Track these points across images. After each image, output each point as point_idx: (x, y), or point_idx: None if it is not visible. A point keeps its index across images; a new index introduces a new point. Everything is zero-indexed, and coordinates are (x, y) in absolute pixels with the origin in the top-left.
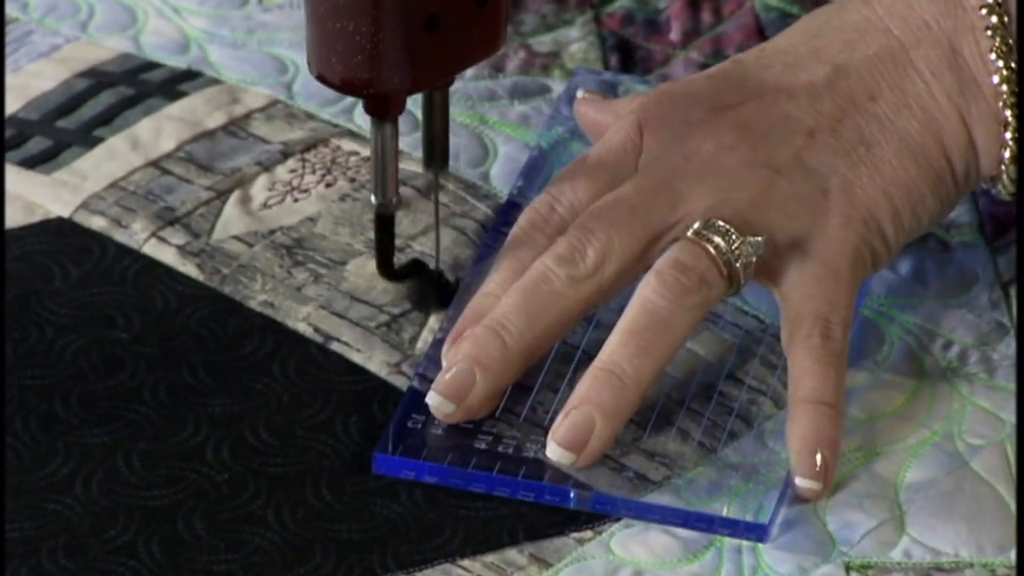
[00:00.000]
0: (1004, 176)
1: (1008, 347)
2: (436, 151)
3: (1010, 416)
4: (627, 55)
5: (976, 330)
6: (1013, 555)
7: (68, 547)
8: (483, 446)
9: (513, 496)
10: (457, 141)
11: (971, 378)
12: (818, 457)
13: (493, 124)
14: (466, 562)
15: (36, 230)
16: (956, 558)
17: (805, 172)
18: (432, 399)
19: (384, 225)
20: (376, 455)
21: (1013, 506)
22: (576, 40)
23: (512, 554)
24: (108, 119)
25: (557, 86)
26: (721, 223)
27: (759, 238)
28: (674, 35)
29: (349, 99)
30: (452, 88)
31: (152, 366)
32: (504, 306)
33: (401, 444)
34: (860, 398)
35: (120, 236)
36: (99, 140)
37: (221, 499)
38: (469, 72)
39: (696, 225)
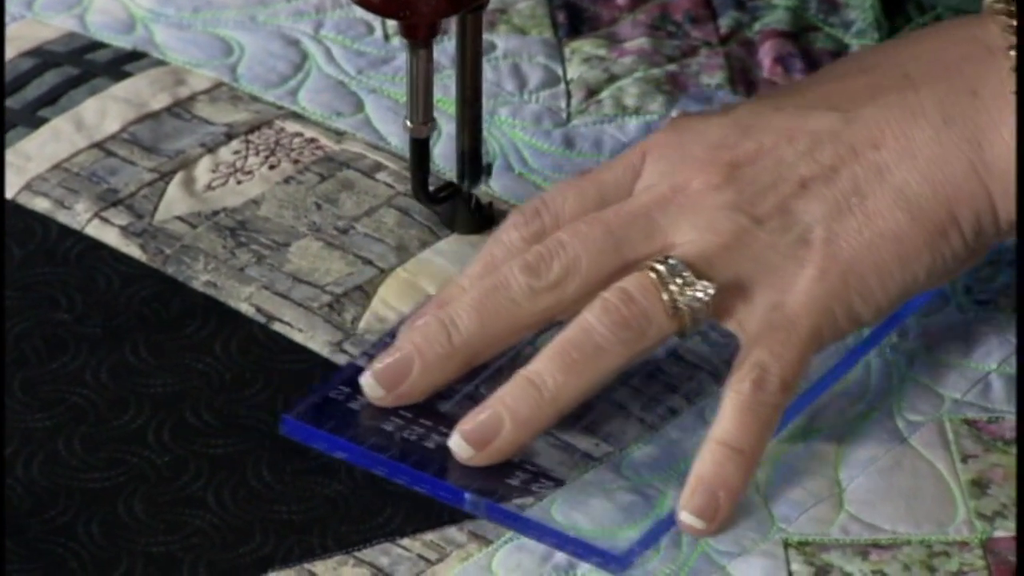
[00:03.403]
0: None
1: (947, 318)
2: (467, 167)
3: (949, 391)
4: (574, 15)
5: (916, 304)
6: (951, 531)
7: (6, 528)
8: (390, 428)
9: (410, 486)
10: (400, 120)
11: (911, 353)
12: (713, 497)
13: (438, 103)
14: (406, 540)
15: None
16: (894, 535)
17: (788, 221)
18: (365, 380)
19: (419, 148)
20: (283, 416)
21: (952, 483)
22: None
23: (452, 532)
24: (53, 99)
25: (502, 43)
26: (678, 263)
27: (710, 285)
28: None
29: (293, 81)
30: (395, 64)
31: (95, 347)
32: (461, 302)
33: (313, 412)
34: None
35: (63, 217)
36: (43, 121)
37: (161, 482)
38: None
39: (656, 260)
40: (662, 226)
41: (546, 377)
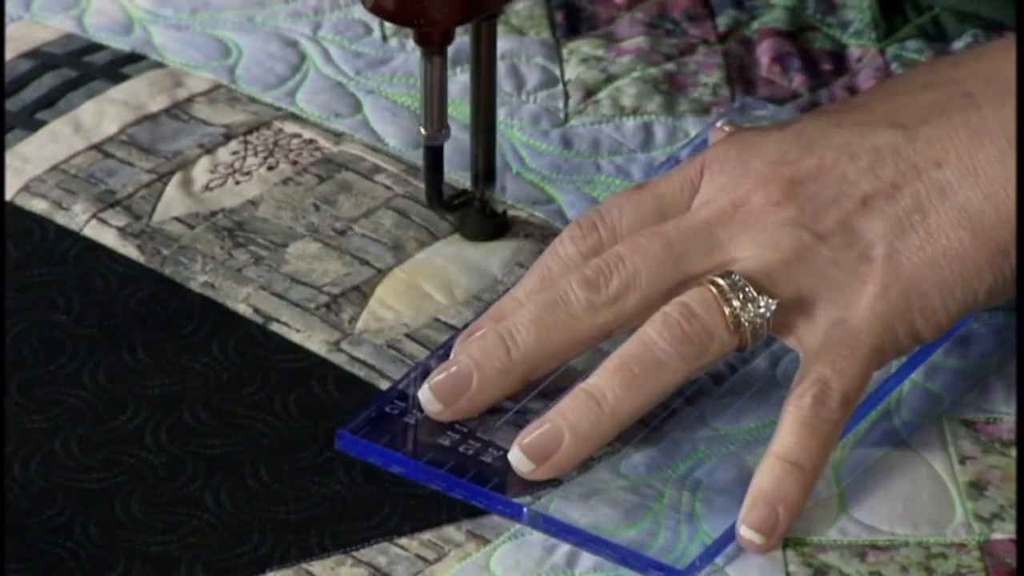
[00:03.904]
0: None
1: None
2: (483, 170)
3: (947, 392)
4: (573, 14)
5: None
6: (948, 532)
7: (4, 528)
8: (446, 443)
9: (467, 500)
10: (398, 121)
11: (909, 354)
12: (772, 511)
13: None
14: (404, 540)
15: None
16: (892, 536)
17: (850, 238)
18: (423, 395)
19: (433, 156)
20: (339, 432)
21: (950, 484)
22: None
23: (450, 531)
24: (51, 102)
25: (500, 44)
26: (740, 278)
27: (772, 301)
28: None
29: (292, 82)
30: (393, 65)
31: (92, 348)
32: (520, 316)
33: (368, 426)
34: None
35: (61, 218)
36: (42, 123)
37: (159, 482)
38: (410, 44)
39: (717, 276)
40: (722, 241)
41: (606, 391)
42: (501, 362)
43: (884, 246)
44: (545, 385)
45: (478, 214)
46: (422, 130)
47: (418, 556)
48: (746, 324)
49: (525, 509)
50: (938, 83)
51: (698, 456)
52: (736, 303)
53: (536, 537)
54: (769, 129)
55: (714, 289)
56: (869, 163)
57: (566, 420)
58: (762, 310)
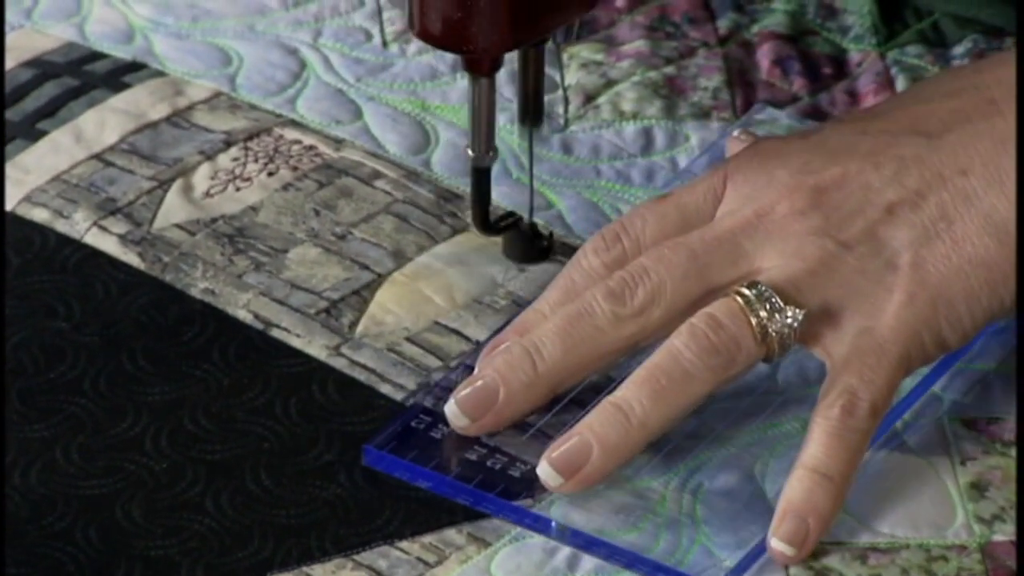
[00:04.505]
0: None
1: None
2: (530, 107)
3: (948, 393)
4: None
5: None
6: (949, 535)
7: (5, 534)
8: (473, 457)
9: (495, 515)
10: (398, 128)
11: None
12: (802, 523)
13: (435, 109)
14: (404, 543)
15: None
16: (892, 538)
17: (875, 246)
18: (450, 410)
19: (480, 178)
20: (365, 447)
21: (950, 486)
22: None
23: (451, 534)
24: (52, 111)
25: None
26: (767, 288)
27: (799, 310)
28: (620, 1)
29: (292, 90)
30: (393, 71)
31: (92, 355)
32: (545, 329)
33: (395, 442)
34: (796, 374)
35: (61, 226)
36: (43, 133)
37: (159, 488)
38: (412, 49)
39: (743, 286)
40: (747, 251)
41: (634, 403)
42: (527, 376)
43: (910, 254)
44: (570, 398)
45: (524, 236)
46: (469, 152)
47: (419, 559)
48: (773, 334)
49: (554, 523)
50: (962, 90)
51: (699, 459)
52: (763, 313)
53: (537, 540)
54: (792, 138)
55: (740, 299)
56: (894, 171)
57: (594, 433)
58: (789, 320)
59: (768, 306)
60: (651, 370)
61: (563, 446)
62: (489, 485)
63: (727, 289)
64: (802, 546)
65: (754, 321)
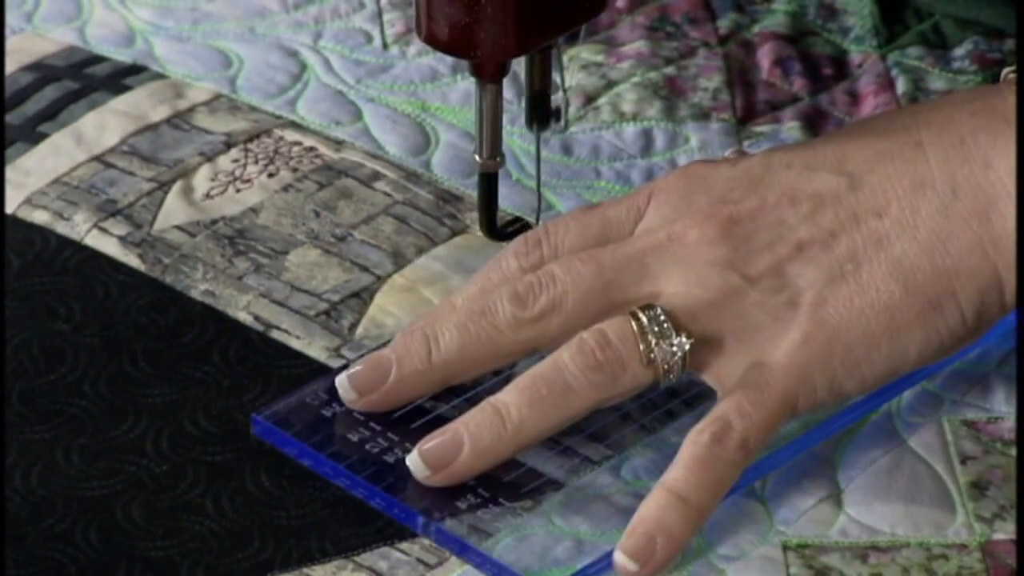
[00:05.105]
0: None
1: None
2: (536, 109)
3: (946, 392)
4: None
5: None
6: (950, 533)
7: (5, 535)
8: (355, 438)
9: (368, 500)
10: (398, 129)
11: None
12: (650, 541)
13: (435, 111)
14: (405, 544)
15: None
16: (893, 537)
17: (780, 283)
18: (340, 382)
19: (488, 183)
20: (253, 416)
21: (950, 485)
22: None
23: None
24: (52, 114)
25: None
26: (661, 313)
27: (687, 340)
28: (620, 1)
29: (292, 91)
30: (393, 72)
31: (93, 357)
32: (447, 321)
33: (282, 414)
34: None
35: (62, 228)
36: (43, 136)
37: (160, 489)
38: (412, 50)
39: (640, 308)
40: (654, 273)
41: (512, 409)
42: (420, 362)
43: (812, 294)
44: (475, 392)
45: None
46: (477, 157)
47: (419, 560)
48: (659, 360)
49: (420, 518)
50: (893, 131)
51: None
52: (651, 338)
53: (538, 532)
54: (722, 163)
55: (634, 322)
56: (810, 209)
57: (469, 432)
58: (675, 348)
59: (657, 331)
60: (534, 378)
61: (436, 439)
62: (359, 467)
63: (627, 308)
64: (646, 563)
65: (642, 346)
